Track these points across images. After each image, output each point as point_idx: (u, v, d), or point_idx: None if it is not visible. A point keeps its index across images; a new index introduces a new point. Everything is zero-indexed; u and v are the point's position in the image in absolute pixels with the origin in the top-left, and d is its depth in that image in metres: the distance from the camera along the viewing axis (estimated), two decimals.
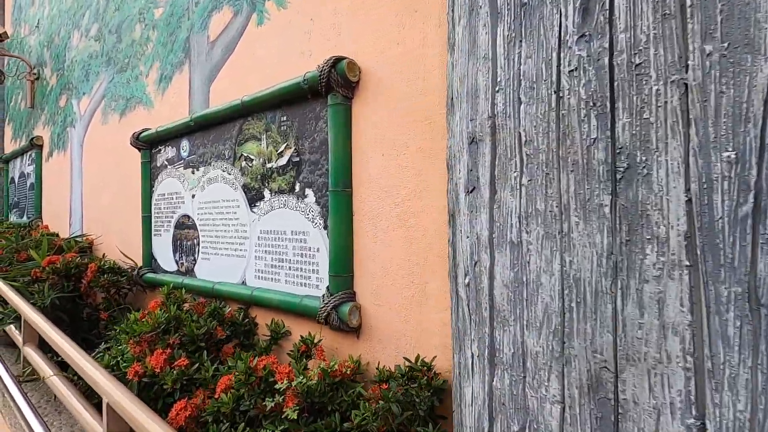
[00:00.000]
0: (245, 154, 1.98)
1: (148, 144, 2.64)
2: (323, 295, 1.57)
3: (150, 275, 2.58)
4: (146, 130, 2.65)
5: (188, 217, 2.35)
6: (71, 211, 3.86)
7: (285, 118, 1.80)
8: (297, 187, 1.74)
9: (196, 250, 2.30)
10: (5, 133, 6.13)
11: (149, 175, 2.67)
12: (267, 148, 1.88)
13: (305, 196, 1.70)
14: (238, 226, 2.02)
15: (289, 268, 1.77)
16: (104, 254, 3.10)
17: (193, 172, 2.32)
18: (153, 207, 2.65)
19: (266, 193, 1.88)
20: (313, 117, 1.68)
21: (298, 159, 1.74)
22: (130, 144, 2.73)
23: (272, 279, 1.84)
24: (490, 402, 0.86)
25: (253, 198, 1.94)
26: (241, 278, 2.01)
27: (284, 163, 1.80)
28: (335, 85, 1.53)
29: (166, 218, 2.53)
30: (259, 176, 1.91)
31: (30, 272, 2.68)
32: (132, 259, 2.80)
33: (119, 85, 3.11)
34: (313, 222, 1.67)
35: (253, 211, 1.94)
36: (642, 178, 0.66)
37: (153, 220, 2.64)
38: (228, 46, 2.16)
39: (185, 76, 2.46)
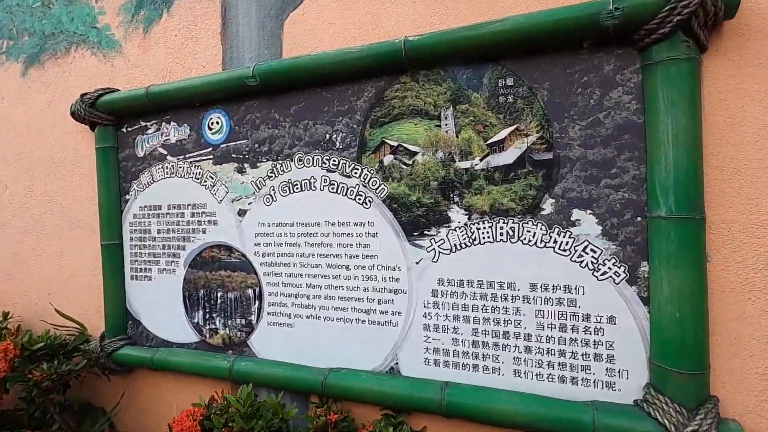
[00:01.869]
0: (393, 143, 1.11)
1: (113, 116, 1.48)
2: (641, 401, 0.86)
3: (128, 351, 1.44)
4: (109, 91, 1.48)
5: (228, 249, 1.33)
6: None
7: (511, 81, 1.01)
8: (547, 205, 0.97)
9: (255, 307, 1.30)
10: None
11: (115, 173, 1.50)
12: (458, 133, 1.05)
13: (570, 223, 0.95)
14: (378, 271, 1.14)
15: (527, 348, 0.99)
16: (7, 314, 1.75)
17: (240, 170, 1.31)
18: (128, 230, 1.50)
19: (455, 213, 1.06)
20: (594, 81, 0.94)
21: (549, 155, 0.97)
22: (74, 114, 1.51)
23: (479, 367, 1.03)
24: None
25: (418, 222, 1.09)
26: (384, 361, 1.13)
27: (508, 160, 1.01)
28: (699, 24, 0.83)
29: (167, 250, 1.43)
30: (434, 183, 1.07)
31: None
32: (76, 322, 1.59)
33: (21, 11, 1.77)
34: (592, 268, 0.93)
35: (416, 245, 1.09)
36: None
37: (129, 252, 1.50)
38: None
39: (209, 2, 1.40)
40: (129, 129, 1.50)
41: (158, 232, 1.45)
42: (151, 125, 1.46)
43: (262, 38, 1.31)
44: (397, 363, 1.12)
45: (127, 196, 1.50)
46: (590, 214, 0.94)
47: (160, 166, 1.44)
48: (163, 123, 1.43)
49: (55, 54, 1.69)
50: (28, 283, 1.74)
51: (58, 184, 1.68)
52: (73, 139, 1.64)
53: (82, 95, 1.48)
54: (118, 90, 1.49)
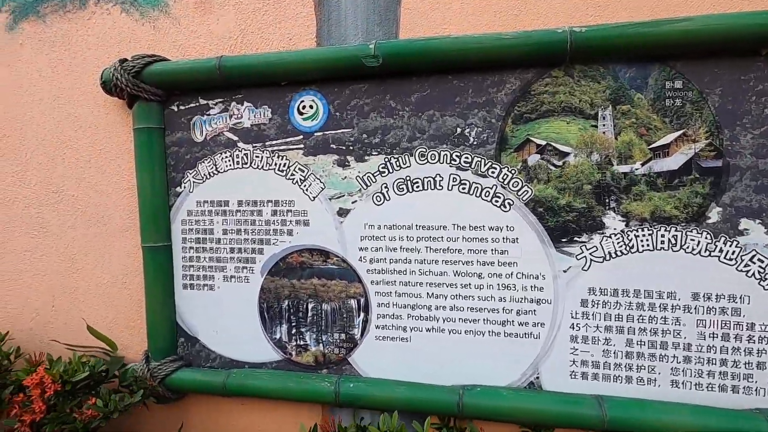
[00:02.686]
0: (540, 142, 1.03)
1: (162, 90, 1.21)
2: None
3: (185, 374, 1.20)
4: (158, 59, 1.20)
5: (323, 253, 1.15)
6: None
7: (680, 84, 0.97)
8: (713, 214, 0.96)
9: (359, 320, 1.14)
10: None
11: (161, 161, 1.23)
12: (617, 135, 1.00)
13: (738, 232, 0.94)
14: (517, 279, 1.05)
15: (686, 359, 0.97)
16: (4, 335, 1.37)
17: (342, 163, 1.13)
18: (180, 229, 1.24)
19: (610, 220, 1.00)
20: None
21: (719, 163, 0.95)
22: (108, 84, 1.20)
23: (633, 379, 0.99)
24: None
25: (567, 228, 1.02)
26: (522, 376, 1.05)
27: (673, 166, 0.97)
28: None
29: (237, 254, 1.21)
30: (587, 186, 1.01)
31: None
32: (107, 340, 1.28)
33: None
34: (759, 277, 0.94)
35: (564, 252, 1.02)
36: None
37: (181, 256, 1.24)
38: None
39: None
40: (182, 107, 1.23)
41: (224, 233, 1.22)
42: (216, 104, 1.21)
43: (372, 13, 1.14)
44: (537, 377, 1.05)
45: (179, 189, 1.24)
46: (759, 223, 0.94)
47: (228, 153, 1.20)
48: (234, 103, 1.20)
49: (63, 5, 1.34)
50: (24, 292, 1.38)
51: (64, 170, 1.34)
52: (89, 114, 1.32)
53: (122, 61, 1.19)
54: (167, 59, 1.22)
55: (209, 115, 1.22)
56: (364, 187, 1.13)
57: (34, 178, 1.37)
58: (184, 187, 1.24)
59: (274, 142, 1.18)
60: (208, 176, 1.22)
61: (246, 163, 1.20)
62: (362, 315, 1.14)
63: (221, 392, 1.17)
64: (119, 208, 1.31)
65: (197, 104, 1.22)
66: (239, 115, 1.20)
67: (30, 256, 1.39)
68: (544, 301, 1.04)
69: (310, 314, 1.17)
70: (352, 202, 1.13)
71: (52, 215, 1.36)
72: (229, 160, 1.21)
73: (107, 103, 1.31)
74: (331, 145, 1.14)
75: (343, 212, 1.14)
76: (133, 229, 1.30)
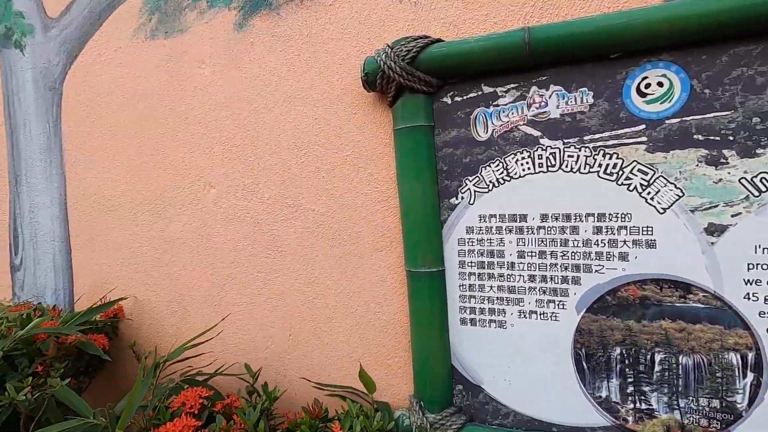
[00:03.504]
0: None
1: (437, 78, 0.98)
2: None
3: None
4: (432, 41, 0.97)
5: (682, 286, 0.83)
6: (16, 244, 1.72)
7: None
8: None
9: (744, 382, 0.81)
10: None
11: (430, 166, 1.00)
12: None
13: None
14: None
15: None
16: (257, 373, 1.26)
17: (713, 161, 0.80)
18: (456, 250, 1.01)
19: None
20: None
21: None
22: (372, 76, 0.99)
23: None
24: None
25: None
26: None
27: None
28: None
29: (540, 283, 0.93)
30: None
31: None
32: (368, 381, 1.09)
33: None
34: None
35: None
36: None
37: (458, 283, 1.01)
38: None
39: None
40: (457, 99, 0.99)
41: (520, 256, 0.95)
42: (507, 91, 0.95)
43: None
44: None
45: (454, 200, 1.00)
46: None
47: (526, 154, 0.94)
48: (534, 87, 0.93)
49: None
50: (257, 317, 1.24)
51: (301, 182, 1.18)
52: (332, 116, 1.13)
53: (393, 46, 0.97)
54: (441, 40, 0.98)
55: (497, 105, 0.96)
56: (754, 193, 0.78)
57: (267, 191, 1.23)
58: (462, 198, 1.00)
59: (598, 136, 0.88)
60: (496, 183, 0.96)
61: (553, 165, 0.92)
62: (750, 376, 0.80)
63: None
64: (371, 224, 1.11)
65: (479, 93, 0.97)
66: (542, 103, 0.92)
67: (263, 278, 1.25)
68: None
69: (657, 368, 0.86)
70: (733, 216, 0.80)
71: (288, 232, 1.21)
72: (528, 162, 0.94)
73: (355, 102, 1.11)
74: (695, 136, 0.82)
75: (715, 229, 0.81)
76: (388, 249, 1.09)
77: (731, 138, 0.79)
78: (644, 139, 0.85)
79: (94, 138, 1.51)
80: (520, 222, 0.95)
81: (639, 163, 0.85)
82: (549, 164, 0.92)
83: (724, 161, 0.80)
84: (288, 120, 1.20)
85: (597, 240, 0.89)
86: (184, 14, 1.33)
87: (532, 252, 0.94)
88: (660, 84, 0.83)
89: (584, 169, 0.89)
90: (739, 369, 0.81)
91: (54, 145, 1.61)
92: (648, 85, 0.84)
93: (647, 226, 0.85)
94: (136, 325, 1.46)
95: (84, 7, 1.52)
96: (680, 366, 0.84)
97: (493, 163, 0.96)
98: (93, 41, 1.51)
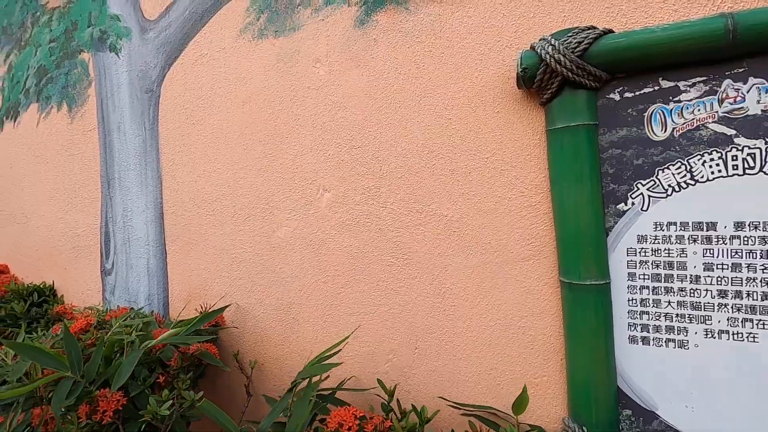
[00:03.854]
0: None
1: (607, 72, 0.89)
2: None
3: None
4: (603, 32, 0.88)
5: None
6: (107, 248, 1.71)
7: None
8: None
9: None
10: None
11: (594, 169, 0.92)
12: None
13: None
14: None
15: None
16: (393, 390, 1.20)
17: None
18: (625, 261, 0.91)
19: None
20: None
21: None
22: (532, 72, 0.91)
23: None
24: None
25: None
26: None
27: None
28: None
29: (734, 299, 0.83)
30: None
31: None
32: (523, 402, 1.01)
33: None
34: None
35: None
36: None
37: (627, 297, 0.91)
38: None
39: None
40: (628, 95, 0.90)
41: (707, 269, 0.85)
42: (692, 86, 0.86)
43: None
44: None
45: (623, 206, 0.91)
46: None
47: (716, 154, 0.84)
48: (728, 81, 0.83)
49: None
50: (378, 329, 1.16)
51: (431, 185, 1.11)
52: (469, 115, 1.05)
53: (558, 38, 0.89)
54: (611, 31, 0.90)
55: (678, 102, 0.87)
56: None
57: (392, 196, 1.17)
58: (633, 204, 0.91)
59: None
60: (677, 188, 0.87)
61: (751, 168, 0.82)
62: None
63: None
64: (516, 231, 1.03)
65: (656, 88, 0.88)
66: (738, 98, 0.83)
67: (385, 287, 1.18)
68: None
69: None
70: None
71: (415, 239, 1.14)
72: (718, 164, 0.84)
73: (497, 100, 1.04)
74: None
75: None
76: (536, 258, 1.01)
77: None
78: None
79: (194, 140, 1.49)
80: (707, 231, 0.85)
81: None
82: (747, 166, 0.82)
83: None
84: (417, 120, 1.13)
85: None
86: (297, 12, 1.29)
87: (722, 264, 0.84)
88: None
89: None
90: None
91: (150, 148, 1.59)
92: None
93: None
94: (238, 334, 1.41)
95: (185, 8, 1.50)
96: None
97: (673, 165, 0.87)
98: (194, 42, 1.48)
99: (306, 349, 1.30)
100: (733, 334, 0.84)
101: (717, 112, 0.84)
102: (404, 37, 1.14)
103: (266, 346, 1.37)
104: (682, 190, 0.87)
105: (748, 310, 0.83)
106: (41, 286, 1.87)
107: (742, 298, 0.83)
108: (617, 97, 0.91)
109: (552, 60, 0.89)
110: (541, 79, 0.92)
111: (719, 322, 0.85)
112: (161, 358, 1.14)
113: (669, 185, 0.87)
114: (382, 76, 1.17)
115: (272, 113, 1.33)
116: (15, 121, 2.01)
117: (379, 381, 1.10)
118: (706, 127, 0.85)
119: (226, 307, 1.35)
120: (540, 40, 0.93)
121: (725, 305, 0.84)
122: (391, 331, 1.18)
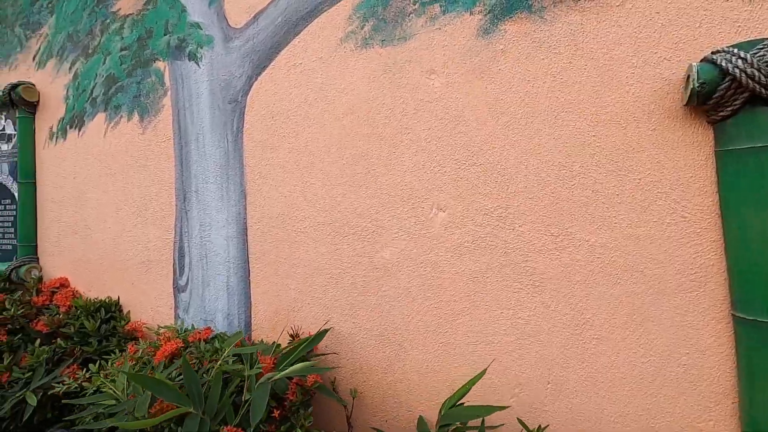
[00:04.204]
0: None
1: None
2: None
3: None
4: None
5: None
6: (182, 263, 1.65)
7: None
8: None
9: None
10: None
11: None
12: None
13: None
14: None
15: None
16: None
17: None
18: None
19: None
20: None
21: None
22: (710, 87, 0.82)
23: None
24: None
25: None
26: None
27: None
28: None
29: None
30: None
31: None
32: None
33: None
34: None
35: None
36: None
37: None
38: None
39: None
40: None
41: None
42: None
43: None
44: None
45: None
46: None
47: None
48: None
49: None
50: (505, 360, 1.07)
51: (569, 209, 1.03)
52: (615, 133, 0.96)
53: (755, 50, 0.81)
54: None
55: None
56: None
57: (521, 217, 1.08)
58: None
59: None
60: None
61: None
62: None
63: None
64: (676, 259, 0.94)
65: None
66: None
67: (511, 315, 1.10)
68: None
69: None
70: None
71: (550, 265, 1.05)
72: None
73: (653, 117, 0.95)
74: None
75: None
76: (700, 290, 0.91)
77: None
78: None
79: (284, 153, 1.42)
80: None
81: None
82: None
83: None
84: (553, 137, 1.05)
85: None
86: (409, 20, 1.22)
87: None
88: None
89: None
90: None
91: (233, 161, 1.53)
92: None
93: None
94: (333, 359, 1.33)
95: (276, 15, 1.44)
96: None
97: None
98: (287, 51, 1.42)
99: (411, 379, 1.22)
100: None
101: None
102: (538, 48, 1.07)
103: (366, 373, 1.29)
104: None
105: None
106: (107, 301, 1.80)
107: None
108: None
109: (743, 75, 0.80)
110: (722, 96, 0.84)
111: None
112: (274, 389, 1.06)
113: None
114: (511, 88, 1.09)
115: (377, 126, 1.26)
116: (80, 131, 1.96)
117: (520, 421, 1.01)
118: None
119: (327, 330, 1.27)
120: (719, 52, 0.85)
121: None
122: (518, 363, 1.09)
